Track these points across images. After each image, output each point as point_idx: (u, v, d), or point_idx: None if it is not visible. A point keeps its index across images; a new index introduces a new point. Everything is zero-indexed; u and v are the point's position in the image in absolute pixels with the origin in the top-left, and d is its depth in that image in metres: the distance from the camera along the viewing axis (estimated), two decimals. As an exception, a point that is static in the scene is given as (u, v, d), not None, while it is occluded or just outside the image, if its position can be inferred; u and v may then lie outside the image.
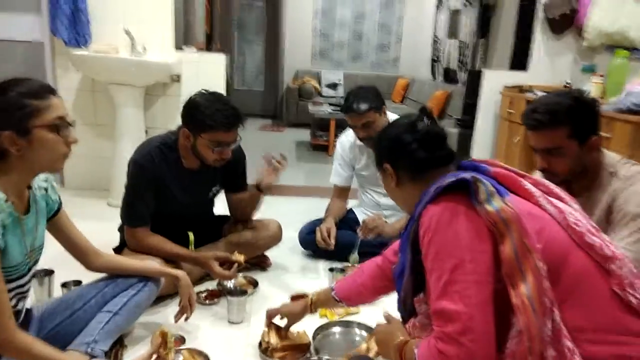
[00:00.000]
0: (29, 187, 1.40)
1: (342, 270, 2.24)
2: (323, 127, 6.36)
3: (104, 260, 1.69)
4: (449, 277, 1.07)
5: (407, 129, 1.29)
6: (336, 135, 6.25)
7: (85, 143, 3.41)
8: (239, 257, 2.01)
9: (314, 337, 1.80)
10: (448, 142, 1.30)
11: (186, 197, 2.11)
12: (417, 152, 1.25)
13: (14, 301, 1.37)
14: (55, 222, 1.54)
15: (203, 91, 2.00)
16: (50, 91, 1.32)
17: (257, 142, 6.71)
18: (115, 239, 2.20)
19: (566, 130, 1.50)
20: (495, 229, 1.08)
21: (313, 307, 1.69)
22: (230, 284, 2.18)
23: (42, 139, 1.28)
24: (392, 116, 2.48)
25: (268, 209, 2.44)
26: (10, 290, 1.32)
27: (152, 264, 1.81)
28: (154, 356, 1.38)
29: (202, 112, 1.91)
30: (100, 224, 2.26)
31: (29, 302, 1.51)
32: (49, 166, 1.36)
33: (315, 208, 2.77)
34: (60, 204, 1.55)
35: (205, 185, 2.19)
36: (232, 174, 2.25)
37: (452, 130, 4.04)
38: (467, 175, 1.13)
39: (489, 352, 1.03)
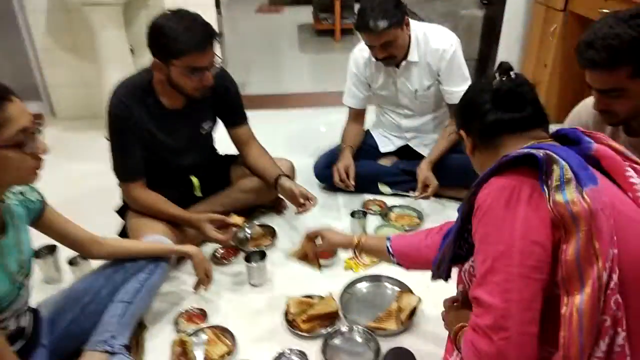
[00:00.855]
0: (1, 201, 1.20)
1: (364, 214, 2.08)
2: (326, 8, 5.77)
3: (107, 247, 1.54)
4: (491, 265, 0.93)
5: (482, 89, 1.09)
6: (342, 17, 5.73)
7: (68, 70, 3.11)
8: (237, 220, 1.84)
9: (341, 298, 1.71)
10: (535, 103, 1.07)
11: (177, 142, 1.88)
12: (487, 115, 1.06)
13: (12, 322, 1.25)
14: (42, 222, 1.36)
15: (167, 12, 1.67)
16: (4, 96, 1.05)
17: (253, 27, 6.17)
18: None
19: (628, 70, 1.23)
20: (561, 223, 0.90)
21: (358, 248, 1.51)
22: (246, 233, 2.06)
23: (3, 160, 1.05)
24: (419, 26, 2.11)
25: (275, 129, 2.19)
26: (3, 320, 1.20)
27: (160, 242, 1.66)
28: (176, 365, 1.29)
29: (168, 35, 1.61)
30: (100, 165, 2.03)
31: (33, 300, 1.40)
32: (17, 182, 1.14)
33: (328, 122, 2.51)
34: (42, 201, 1.35)
35: (194, 124, 1.93)
36: (223, 106, 1.98)
37: (475, 13, 3.55)
38: (540, 151, 0.93)
39: (525, 356, 0.90)
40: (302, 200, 1.89)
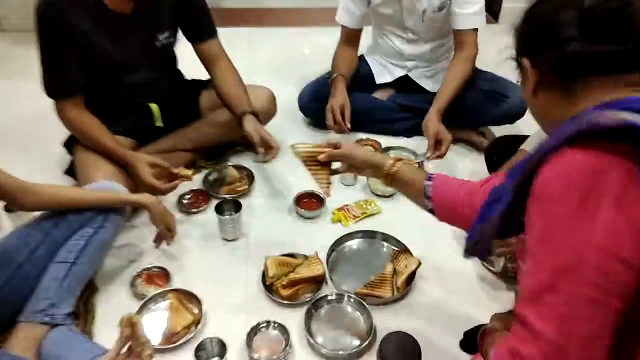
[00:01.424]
0: None
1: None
2: None
3: (44, 197, 1.24)
4: (550, 280, 0.67)
5: (564, 4, 0.76)
6: None
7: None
8: (186, 172, 1.55)
9: (328, 259, 1.47)
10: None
11: (125, 54, 1.53)
12: (570, 44, 0.74)
13: None
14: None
15: None
16: None
17: None
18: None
19: None
20: None
21: (390, 177, 1.15)
22: (221, 174, 1.78)
23: None
24: None
25: (253, 51, 1.84)
26: None
27: (111, 189, 1.36)
28: (125, 348, 1.05)
29: None
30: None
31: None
32: None
33: (315, 45, 2.15)
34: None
35: (147, 34, 1.57)
36: (185, 14, 1.62)
37: None
38: None
39: None
40: (261, 150, 1.58)
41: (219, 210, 1.53)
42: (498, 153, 1.65)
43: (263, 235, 1.58)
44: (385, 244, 1.54)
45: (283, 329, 1.26)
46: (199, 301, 1.33)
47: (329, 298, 1.35)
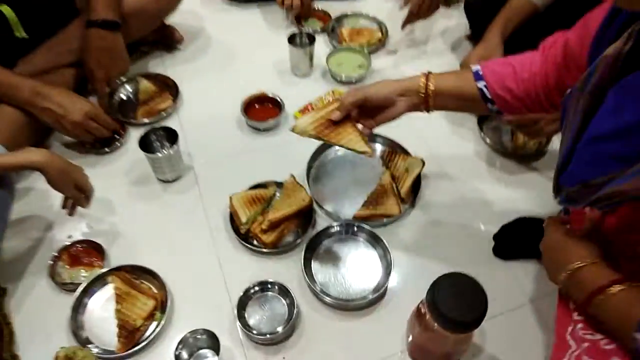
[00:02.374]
0: None
1: (312, 39, 1.36)
2: None
3: None
4: None
5: None
6: None
7: None
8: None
9: (309, 179, 1.14)
10: None
11: None
12: None
13: None
14: None
15: None
16: None
17: None
18: None
19: None
20: None
21: (431, 97, 0.88)
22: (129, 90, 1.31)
23: None
24: None
25: None
26: None
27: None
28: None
29: None
30: None
31: None
32: None
33: None
34: None
35: None
36: None
37: None
38: None
39: None
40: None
41: (145, 144, 1.10)
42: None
43: (214, 164, 1.19)
44: (373, 144, 1.22)
45: (281, 289, 0.96)
46: (154, 276, 0.97)
47: (331, 230, 1.04)
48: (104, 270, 0.98)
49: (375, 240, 1.03)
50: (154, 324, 0.93)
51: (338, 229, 1.05)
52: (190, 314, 0.95)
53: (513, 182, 1.17)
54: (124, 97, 1.33)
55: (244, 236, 1.04)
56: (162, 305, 0.94)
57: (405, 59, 1.45)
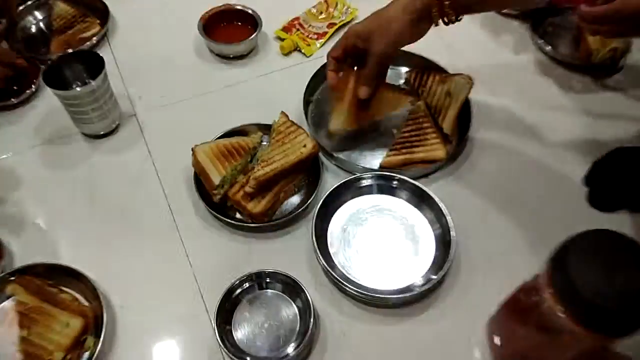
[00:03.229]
0: None
1: None
2: None
3: None
4: None
5: None
6: None
7: None
8: None
9: (306, 116, 0.78)
10: None
11: None
12: None
13: None
14: None
15: None
16: None
17: None
18: None
19: None
20: None
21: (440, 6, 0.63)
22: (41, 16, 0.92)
23: None
24: None
25: None
26: None
27: None
28: None
29: None
30: None
31: None
32: None
33: None
34: None
35: None
36: None
37: None
38: None
39: None
40: None
41: (57, 81, 0.72)
42: None
43: (166, 108, 0.82)
44: (395, 67, 0.86)
45: (286, 284, 0.61)
46: (81, 279, 0.61)
47: (356, 185, 0.69)
48: (1, 273, 0.61)
49: (421, 199, 0.68)
50: (85, 355, 0.57)
51: (367, 181, 0.70)
52: (141, 336, 0.59)
53: (591, 103, 0.84)
54: (32, 29, 0.94)
55: (219, 206, 0.68)
56: (95, 325, 0.59)
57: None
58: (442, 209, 0.65)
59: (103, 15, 0.93)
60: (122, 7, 0.96)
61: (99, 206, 0.70)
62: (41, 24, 0.94)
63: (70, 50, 0.86)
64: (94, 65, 0.72)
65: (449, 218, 0.64)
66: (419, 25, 0.65)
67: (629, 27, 0.67)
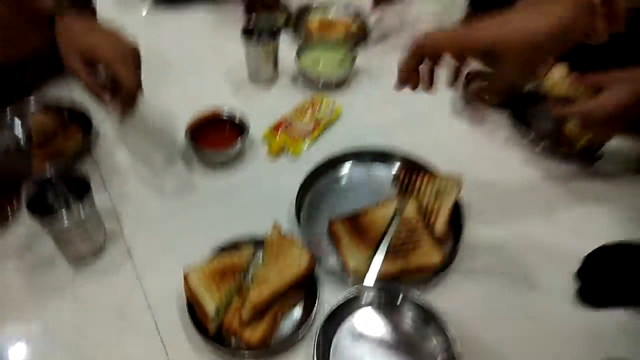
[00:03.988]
0: None
1: (274, 34, 1.00)
2: None
3: None
4: None
5: None
6: None
7: None
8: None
9: (298, 225, 0.77)
10: None
11: None
12: None
13: None
14: None
15: None
16: None
17: None
18: None
19: None
20: None
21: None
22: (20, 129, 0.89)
23: None
24: None
25: None
26: None
27: None
28: None
29: None
30: None
31: None
32: None
33: None
34: None
35: None
36: None
37: None
38: None
39: None
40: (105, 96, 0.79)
41: (38, 207, 0.69)
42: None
43: (153, 225, 0.79)
44: (380, 165, 0.87)
45: None
46: None
47: (356, 303, 0.67)
48: None
49: (425, 315, 0.66)
50: None
51: (369, 298, 0.68)
52: None
53: (582, 194, 0.85)
54: (12, 142, 0.91)
55: (217, 336, 0.65)
56: None
57: (395, 47, 1.12)
58: (446, 329, 0.63)
59: (83, 124, 0.92)
60: (104, 114, 0.95)
61: (84, 340, 0.66)
62: (20, 142, 0.91)
63: (51, 169, 0.83)
64: (77, 185, 0.70)
65: (452, 334, 0.62)
66: None
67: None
